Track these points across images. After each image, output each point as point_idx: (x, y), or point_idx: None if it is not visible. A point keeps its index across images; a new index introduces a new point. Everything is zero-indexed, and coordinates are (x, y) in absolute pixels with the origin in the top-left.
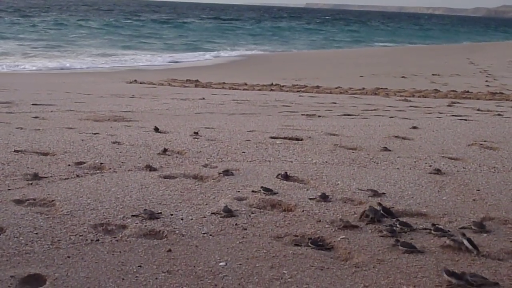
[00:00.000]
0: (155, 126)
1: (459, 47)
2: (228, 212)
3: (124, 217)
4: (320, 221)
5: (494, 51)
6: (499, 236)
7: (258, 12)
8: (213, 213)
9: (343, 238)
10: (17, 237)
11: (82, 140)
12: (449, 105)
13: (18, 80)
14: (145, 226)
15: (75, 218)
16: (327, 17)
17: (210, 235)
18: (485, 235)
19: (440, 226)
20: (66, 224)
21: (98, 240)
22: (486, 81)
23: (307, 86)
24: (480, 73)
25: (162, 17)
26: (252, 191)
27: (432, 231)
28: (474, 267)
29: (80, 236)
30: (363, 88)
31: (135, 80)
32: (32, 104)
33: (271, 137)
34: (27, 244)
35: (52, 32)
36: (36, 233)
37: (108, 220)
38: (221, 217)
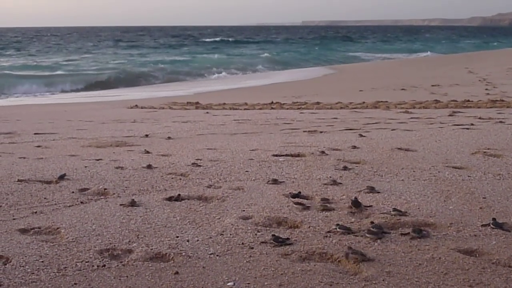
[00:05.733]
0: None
1: (456, 57)
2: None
3: (129, 241)
4: (327, 236)
5: (492, 59)
6: (509, 243)
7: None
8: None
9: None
10: (23, 266)
11: (85, 166)
12: (450, 115)
13: (20, 110)
14: (151, 249)
15: (81, 244)
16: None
17: (217, 255)
18: (494, 242)
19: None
20: (72, 251)
21: (104, 265)
22: (486, 89)
23: (307, 102)
24: (480, 82)
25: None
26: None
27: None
28: (485, 275)
29: (86, 262)
30: (364, 102)
31: (136, 105)
32: (34, 134)
33: (274, 155)
34: (33, 273)
35: None
36: (42, 261)
37: (114, 245)
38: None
